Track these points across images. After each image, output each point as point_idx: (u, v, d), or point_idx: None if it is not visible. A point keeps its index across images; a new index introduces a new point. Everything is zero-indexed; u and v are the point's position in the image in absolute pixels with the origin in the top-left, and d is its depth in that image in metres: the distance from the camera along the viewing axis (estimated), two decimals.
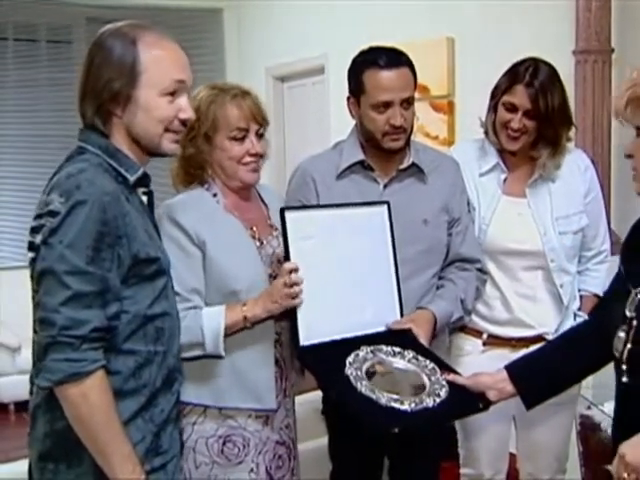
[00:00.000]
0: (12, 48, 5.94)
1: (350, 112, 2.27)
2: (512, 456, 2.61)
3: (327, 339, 1.95)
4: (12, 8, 5.83)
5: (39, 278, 1.53)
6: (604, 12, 3.40)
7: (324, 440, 2.44)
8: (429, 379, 1.90)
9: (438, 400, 1.82)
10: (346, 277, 2.03)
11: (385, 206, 2.13)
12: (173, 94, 1.66)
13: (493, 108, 2.37)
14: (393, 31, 4.60)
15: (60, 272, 1.49)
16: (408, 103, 2.16)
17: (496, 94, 2.35)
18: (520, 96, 2.27)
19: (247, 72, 6.45)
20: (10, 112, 5.95)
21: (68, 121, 5.67)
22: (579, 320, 2.43)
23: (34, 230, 1.55)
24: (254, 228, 2.08)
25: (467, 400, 1.88)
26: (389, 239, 2.12)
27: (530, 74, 2.27)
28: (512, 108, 2.30)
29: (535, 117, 2.28)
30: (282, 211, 1.95)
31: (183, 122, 1.70)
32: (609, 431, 2.59)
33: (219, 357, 1.95)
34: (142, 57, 1.62)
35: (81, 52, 6.09)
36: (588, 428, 2.61)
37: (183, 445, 1.84)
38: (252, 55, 6.46)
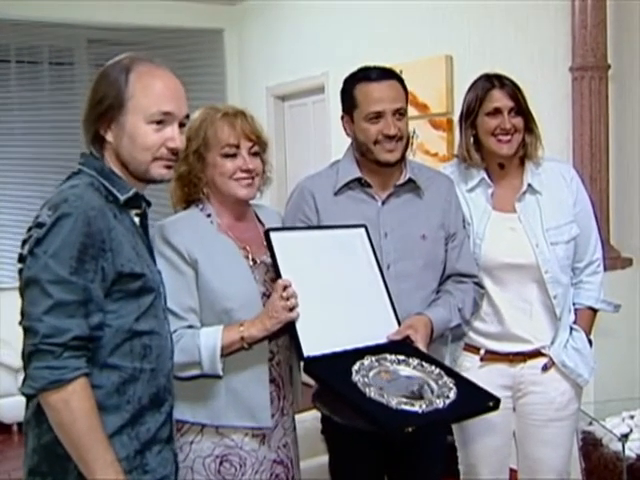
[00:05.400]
0: (14, 70, 5.97)
1: (345, 131, 2.31)
2: (513, 472, 2.60)
3: (330, 350, 1.96)
4: (14, 30, 5.87)
5: (24, 287, 1.56)
6: (600, 29, 3.43)
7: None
8: (436, 384, 1.91)
9: (448, 401, 1.84)
10: (338, 293, 2.05)
11: (363, 228, 2.17)
12: (160, 123, 1.70)
13: (471, 126, 2.41)
14: (393, 50, 4.64)
15: (44, 281, 1.53)
16: (400, 114, 2.21)
17: (470, 112, 2.41)
18: (500, 98, 2.35)
19: (248, 91, 6.50)
20: (12, 133, 5.96)
21: (70, 142, 5.74)
22: (575, 334, 2.45)
23: (24, 243, 1.60)
24: (248, 248, 2.08)
25: (477, 400, 1.89)
26: (372, 257, 2.15)
27: (496, 78, 2.38)
28: (496, 112, 2.35)
29: (519, 112, 2.36)
30: (267, 232, 1.99)
31: (172, 151, 1.73)
32: (611, 447, 2.59)
33: (217, 377, 1.95)
34: (131, 83, 1.68)
35: (83, 74, 6.20)
36: (590, 444, 2.60)
37: (178, 467, 1.83)
38: (253, 74, 6.50)
